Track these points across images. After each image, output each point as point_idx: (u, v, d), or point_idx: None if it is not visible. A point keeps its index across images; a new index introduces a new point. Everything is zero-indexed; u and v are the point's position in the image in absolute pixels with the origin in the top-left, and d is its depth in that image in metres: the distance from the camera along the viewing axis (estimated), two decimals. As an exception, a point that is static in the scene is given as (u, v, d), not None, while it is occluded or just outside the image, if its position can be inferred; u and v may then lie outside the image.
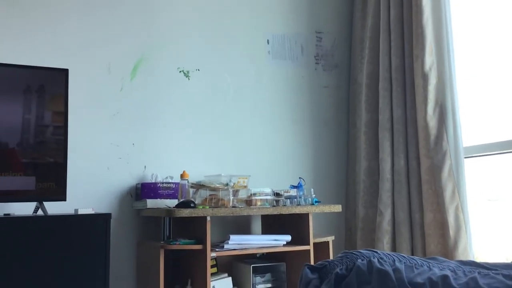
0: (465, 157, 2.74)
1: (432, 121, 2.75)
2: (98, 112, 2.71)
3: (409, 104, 2.92)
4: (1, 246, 2.04)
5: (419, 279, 1.06)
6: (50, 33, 2.64)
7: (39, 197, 2.26)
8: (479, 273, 1.10)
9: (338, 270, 1.11)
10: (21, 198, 2.25)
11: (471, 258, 2.53)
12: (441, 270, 1.11)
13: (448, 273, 1.09)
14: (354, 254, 1.14)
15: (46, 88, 2.31)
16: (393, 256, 1.13)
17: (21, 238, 2.09)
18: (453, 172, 2.67)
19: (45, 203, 2.26)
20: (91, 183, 2.63)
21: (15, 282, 2.04)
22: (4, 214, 2.23)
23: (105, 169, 2.69)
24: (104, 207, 2.63)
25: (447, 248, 2.62)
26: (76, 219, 2.25)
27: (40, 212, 2.26)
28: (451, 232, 2.61)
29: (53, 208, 2.30)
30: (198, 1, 3.07)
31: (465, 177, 2.70)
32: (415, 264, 1.12)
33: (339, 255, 1.17)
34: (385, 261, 1.10)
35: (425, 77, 2.77)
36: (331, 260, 1.16)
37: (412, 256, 1.16)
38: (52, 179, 2.28)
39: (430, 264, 1.13)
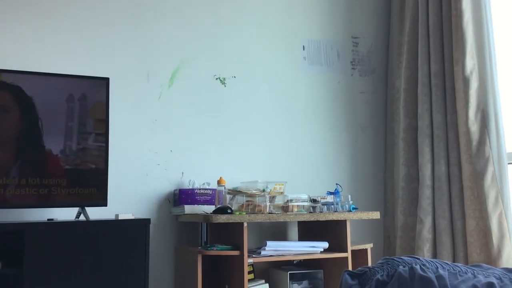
0: (509, 163, 2.66)
1: (474, 126, 2.68)
2: (137, 119, 2.76)
3: (449, 109, 2.85)
4: (44, 251, 2.10)
5: (464, 287, 1.03)
6: (91, 43, 2.71)
7: (81, 203, 2.32)
8: (527, 281, 1.06)
9: (379, 276, 1.09)
10: (64, 204, 2.32)
11: (516, 268, 2.44)
12: (486, 277, 1.07)
13: (494, 280, 1.05)
14: (395, 260, 1.12)
15: (88, 96, 2.38)
16: (436, 263, 1.11)
17: (63, 242, 2.15)
18: (496, 179, 2.60)
19: (87, 209, 2.32)
20: (131, 188, 2.68)
21: (57, 286, 2.10)
22: (48, 219, 2.30)
23: (144, 175, 2.74)
24: (143, 213, 2.68)
25: (490, 256, 2.54)
26: (116, 224, 2.30)
27: (82, 217, 2.32)
28: (495, 240, 2.53)
29: (94, 213, 2.36)
30: (234, 10, 3.09)
31: (509, 184, 2.62)
32: (459, 271, 1.09)
33: (380, 261, 1.15)
34: (427, 268, 1.08)
35: (466, 81, 2.70)
36: (372, 266, 1.14)
37: (455, 263, 1.13)
38: (93, 185, 2.34)
39: (475, 271, 1.10)
